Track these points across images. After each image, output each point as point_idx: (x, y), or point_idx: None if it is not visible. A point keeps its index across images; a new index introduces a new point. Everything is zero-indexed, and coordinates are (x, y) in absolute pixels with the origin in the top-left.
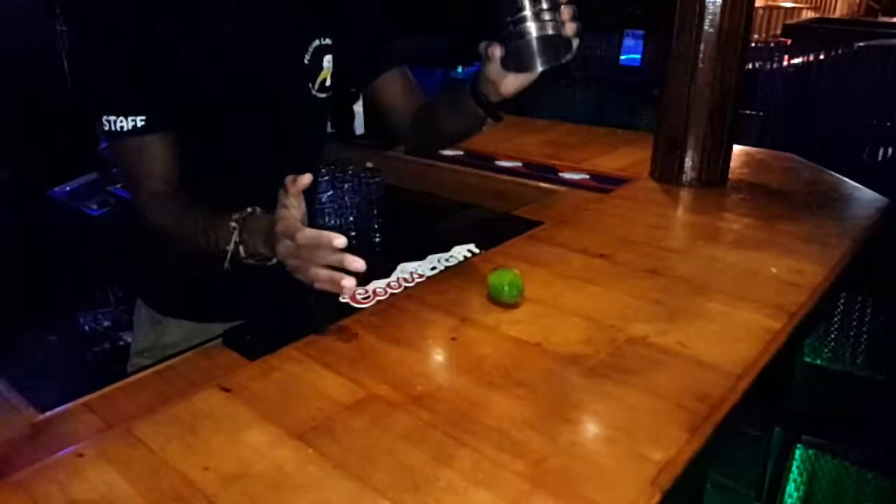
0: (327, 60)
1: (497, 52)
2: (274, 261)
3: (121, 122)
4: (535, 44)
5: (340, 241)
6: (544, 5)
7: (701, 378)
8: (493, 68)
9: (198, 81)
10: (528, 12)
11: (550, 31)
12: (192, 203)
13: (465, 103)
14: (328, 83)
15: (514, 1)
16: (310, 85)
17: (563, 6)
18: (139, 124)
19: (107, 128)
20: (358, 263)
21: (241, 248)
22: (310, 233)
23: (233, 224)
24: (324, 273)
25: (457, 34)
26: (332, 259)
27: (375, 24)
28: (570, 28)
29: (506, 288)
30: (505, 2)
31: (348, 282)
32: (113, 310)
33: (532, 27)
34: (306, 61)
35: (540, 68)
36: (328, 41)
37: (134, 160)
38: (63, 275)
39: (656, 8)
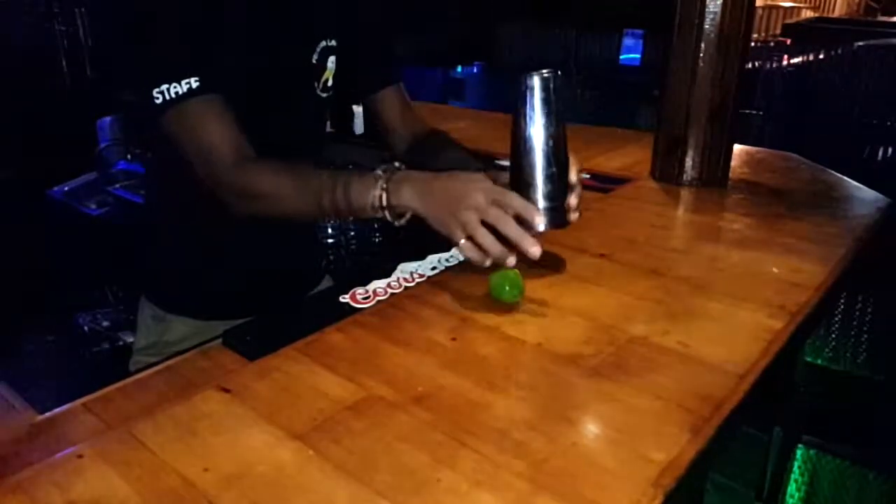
0: (331, 61)
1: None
2: (406, 217)
3: (174, 87)
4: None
5: (541, 220)
6: (555, 200)
7: (702, 378)
8: None
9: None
10: (539, 208)
11: (558, 224)
12: (287, 162)
13: None
14: (330, 83)
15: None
16: (315, 84)
17: (572, 195)
18: (194, 85)
19: (160, 100)
20: (535, 249)
21: (383, 197)
22: (520, 201)
23: (379, 172)
24: (500, 249)
25: (457, 34)
26: (515, 233)
27: (376, 29)
28: (574, 216)
29: (507, 288)
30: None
31: (512, 259)
32: (112, 310)
33: (541, 224)
34: (314, 61)
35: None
36: (333, 42)
37: (201, 120)
38: (62, 275)
39: (656, 7)
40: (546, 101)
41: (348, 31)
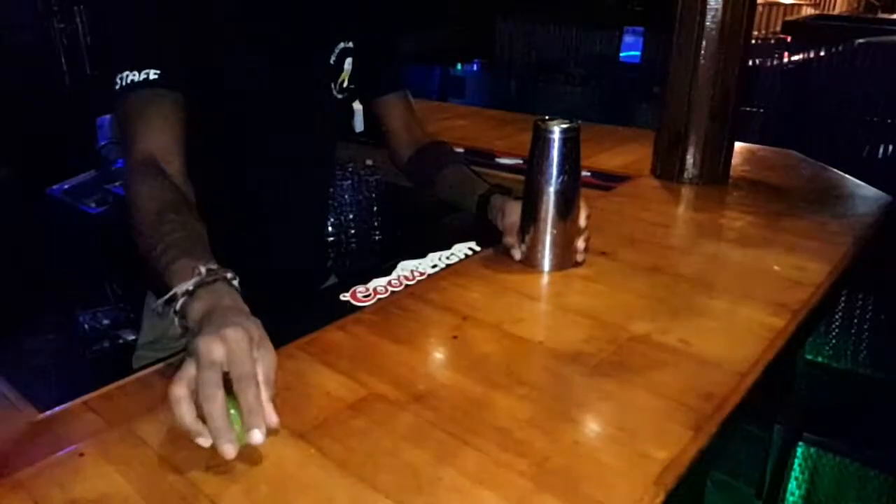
0: (348, 63)
1: (517, 255)
2: (183, 343)
3: (133, 75)
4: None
5: (229, 450)
6: (564, 244)
7: (704, 376)
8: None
9: (228, 72)
10: (546, 248)
11: (565, 266)
12: (179, 200)
13: (468, 203)
14: (346, 85)
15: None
16: (332, 85)
17: (580, 239)
18: (151, 76)
19: (118, 85)
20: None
21: (184, 296)
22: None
23: (202, 269)
24: (192, 422)
25: (457, 31)
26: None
27: (389, 33)
28: (580, 257)
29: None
30: (527, 228)
31: (203, 441)
32: (113, 308)
33: (546, 262)
34: (331, 62)
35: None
36: (350, 44)
37: (137, 114)
38: (62, 273)
39: (656, 5)
40: (563, 153)
41: (365, 33)
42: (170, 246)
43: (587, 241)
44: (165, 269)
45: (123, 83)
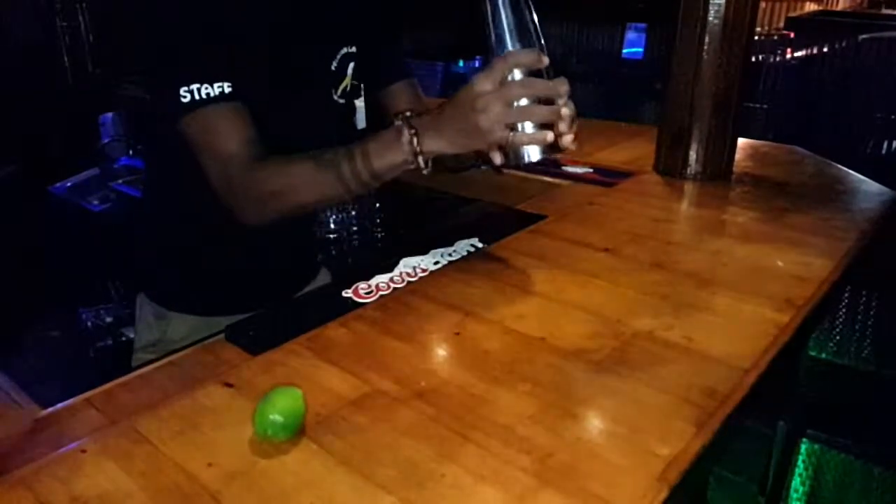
0: (350, 68)
1: (497, 159)
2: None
3: (206, 88)
4: (533, 160)
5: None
6: (546, 119)
7: (707, 372)
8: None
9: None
10: (529, 136)
11: (548, 150)
12: (290, 155)
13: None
14: (349, 89)
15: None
16: (333, 91)
17: (565, 112)
18: (226, 90)
19: (187, 98)
20: (565, 110)
21: (414, 142)
22: (523, 80)
23: (399, 123)
24: (547, 109)
25: (459, 28)
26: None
27: (394, 34)
28: (567, 140)
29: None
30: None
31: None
32: (115, 305)
33: (531, 152)
34: (333, 68)
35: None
36: (353, 49)
37: (224, 127)
38: (65, 271)
39: (658, 1)
40: (514, 8)
41: (369, 37)
42: (347, 149)
43: (572, 120)
44: (366, 154)
45: (196, 96)
